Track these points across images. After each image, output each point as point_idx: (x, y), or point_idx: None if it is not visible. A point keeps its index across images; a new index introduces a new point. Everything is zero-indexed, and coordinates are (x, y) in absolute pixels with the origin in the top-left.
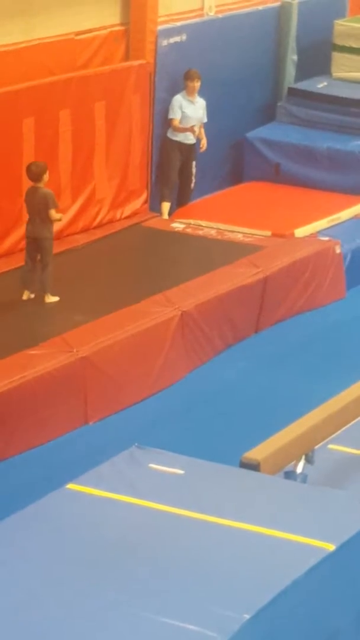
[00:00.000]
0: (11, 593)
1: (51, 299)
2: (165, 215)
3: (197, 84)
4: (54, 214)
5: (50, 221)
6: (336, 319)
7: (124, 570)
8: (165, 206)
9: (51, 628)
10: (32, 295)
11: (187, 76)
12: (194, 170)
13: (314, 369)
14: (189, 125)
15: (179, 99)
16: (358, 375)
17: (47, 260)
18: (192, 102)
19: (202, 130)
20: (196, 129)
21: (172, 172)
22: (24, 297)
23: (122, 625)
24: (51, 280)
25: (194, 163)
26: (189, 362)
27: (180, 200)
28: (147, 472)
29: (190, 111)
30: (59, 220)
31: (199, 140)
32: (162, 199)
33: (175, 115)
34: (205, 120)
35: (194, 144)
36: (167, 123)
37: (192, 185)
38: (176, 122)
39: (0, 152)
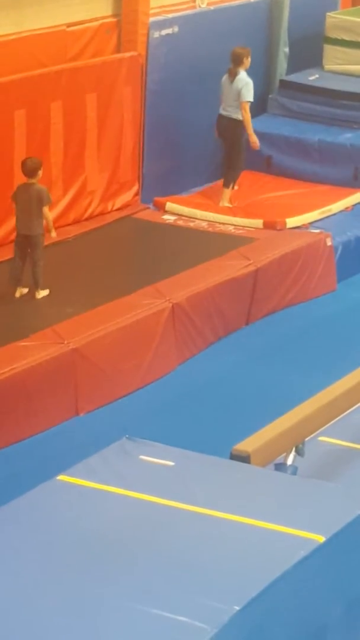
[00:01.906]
0: (1, 585)
1: (42, 293)
2: (226, 203)
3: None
4: (47, 211)
5: (41, 217)
6: (327, 312)
7: (114, 561)
8: (228, 193)
9: (41, 620)
10: (25, 291)
11: (247, 53)
12: None
13: (305, 361)
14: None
15: (250, 80)
16: (349, 368)
17: (38, 256)
18: None
19: None
20: None
21: (243, 156)
22: (17, 294)
23: (112, 616)
24: (42, 275)
25: None
26: (180, 354)
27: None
28: (137, 464)
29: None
30: (51, 225)
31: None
32: (231, 184)
33: (251, 97)
34: None
35: None
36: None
37: None
38: (248, 106)
39: None
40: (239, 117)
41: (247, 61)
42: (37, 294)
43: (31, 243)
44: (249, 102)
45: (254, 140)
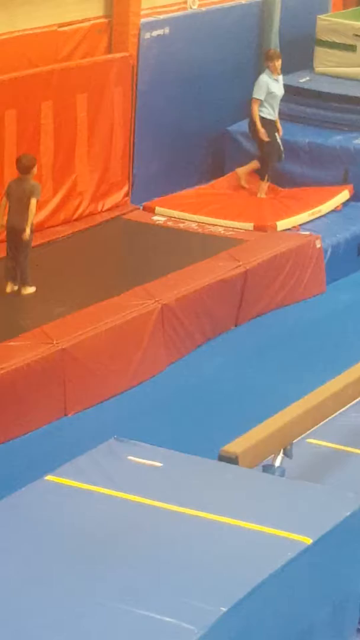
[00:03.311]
0: None
1: (28, 290)
2: (263, 194)
3: (278, 62)
4: (33, 204)
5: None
6: (316, 314)
7: (101, 562)
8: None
9: (27, 619)
10: (16, 288)
11: (269, 56)
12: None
13: (294, 362)
14: (276, 103)
15: (266, 80)
16: (337, 370)
17: (27, 250)
18: (277, 80)
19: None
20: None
21: (278, 149)
22: (8, 289)
23: (99, 618)
24: (29, 270)
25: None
26: (169, 355)
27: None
28: (125, 465)
29: (277, 89)
30: (30, 220)
31: None
32: (265, 176)
33: (260, 96)
34: None
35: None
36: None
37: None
38: (257, 104)
39: None
40: (262, 115)
41: (270, 64)
42: (23, 289)
43: (19, 237)
44: (257, 99)
45: (262, 132)
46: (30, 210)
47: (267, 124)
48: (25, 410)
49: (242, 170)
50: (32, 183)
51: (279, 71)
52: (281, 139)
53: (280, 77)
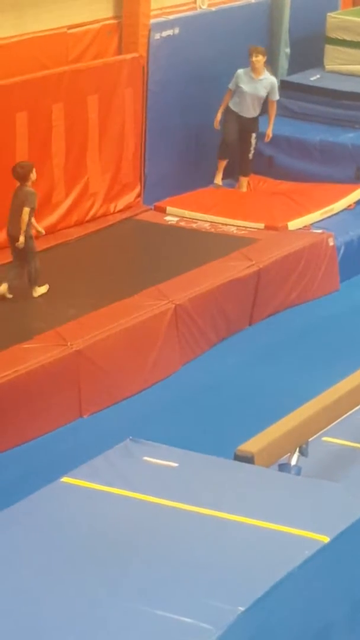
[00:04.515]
0: (5, 587)
1: (39, 291)
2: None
3: (255, 59)
4: (25, 212)
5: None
6: (330, 312)
7: (118, 563)
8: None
9: (45, 622)
10: (10, 296)
11: (248, 52)
12: (253, 142)
13: (308, 361)
14: (243, 99)
15: (239, 73)
16: (352, 368)
17: (29, 256)
18: (252, 78)
19: (273, 110)
20: (251, 105)
21: (227, 137)
22: (9, 295)
23: (117, 618)
24: (37, 274)
25: (253, 135)
26: (183, 355)
27: (240, 171)
28: (141, 465)
29: (248, 87)
30: (23, 228)
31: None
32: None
33: (230, 86)
34: (276, 98)
35: (253, 118)
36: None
37: (250, 156)
38: (229, 93)
39: None
40: (229, 105)
41: (249, 59)
42: (33, 292)
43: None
44: (229, 88)
45: (216, 120)
46: (22, 219)
47: (229, 114)
48: (40, 412)
49: (241, 188)
50: (25, 190)
51: (260, 71)
52: (263, 135)
53: (263, 78)
